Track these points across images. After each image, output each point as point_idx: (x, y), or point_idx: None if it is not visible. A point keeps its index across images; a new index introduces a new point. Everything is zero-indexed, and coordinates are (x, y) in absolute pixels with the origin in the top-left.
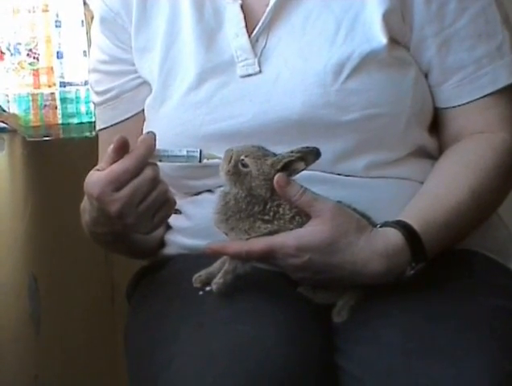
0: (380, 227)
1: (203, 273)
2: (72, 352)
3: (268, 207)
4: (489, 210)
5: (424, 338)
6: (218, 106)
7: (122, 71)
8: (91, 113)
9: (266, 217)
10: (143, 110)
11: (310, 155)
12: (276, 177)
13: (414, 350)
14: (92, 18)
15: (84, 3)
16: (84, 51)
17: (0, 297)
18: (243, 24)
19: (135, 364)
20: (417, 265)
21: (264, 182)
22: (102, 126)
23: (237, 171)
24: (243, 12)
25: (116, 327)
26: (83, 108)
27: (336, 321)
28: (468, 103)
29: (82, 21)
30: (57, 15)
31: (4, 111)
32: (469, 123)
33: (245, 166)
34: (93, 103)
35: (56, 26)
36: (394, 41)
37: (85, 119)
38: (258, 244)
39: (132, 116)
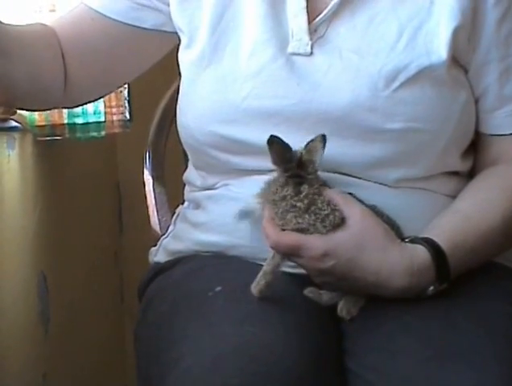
0: (409, 241)
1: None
2: (81, 351)
3: (304, 193)
4: None
5: (441, 345)
6: (266, 82)
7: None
8: (99, 113)
9: (299, 204)
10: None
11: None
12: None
13: (432, 357)
14: None
15: None
16: None
17: (9, 295)
18: (304, 5)
19: (144, 362)
20: (440, 286)
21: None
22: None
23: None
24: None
25: (125, 326)
26: (90, 108)
27: (346, 317)
28: None
29: None
30: None
31: (15, 111)
32: None
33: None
34: None
35: None
36: (454, 59)
37: (92, 119)
38: (288, 237)
39: (128, 24)
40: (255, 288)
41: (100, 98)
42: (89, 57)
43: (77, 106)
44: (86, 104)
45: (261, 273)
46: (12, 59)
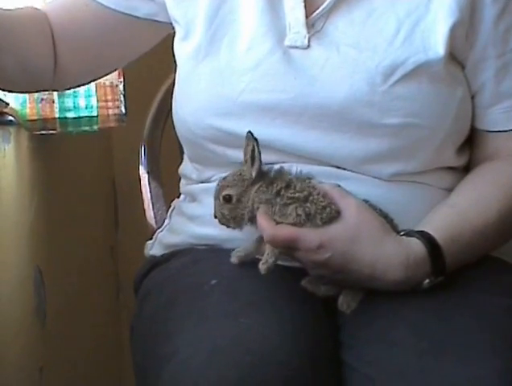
0: (404, 234)
1: (242, 249)
2: (77, 344)
3: (300, 185)
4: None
5: (436, 338)
6: (263, 76)
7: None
8: (91, 107)
9: (298, 194)
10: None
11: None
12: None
13: (427, 350)
14: None
15: None
16: None
17: (5, 290)
18: None
19: (140, 356)
20: (435, 279)
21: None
22: None
23: (232, 207)
24: None
25: (121, 319)
26: (82, 103)
27: (346, 311)
28: None
29: None
30: None
31: (7, 104)
32: (509, 146)
33: (228, 199)
34: None
35: None
36: (451, 56)
37: (84, 113)
38: (284, 231)
39: (120, 12)
40: (263, 265)
41: (89, 83)
42: (80, 43)
43: (67, 90)
44: (75, 88)
45: (267, 252)
46: (1, 41)
